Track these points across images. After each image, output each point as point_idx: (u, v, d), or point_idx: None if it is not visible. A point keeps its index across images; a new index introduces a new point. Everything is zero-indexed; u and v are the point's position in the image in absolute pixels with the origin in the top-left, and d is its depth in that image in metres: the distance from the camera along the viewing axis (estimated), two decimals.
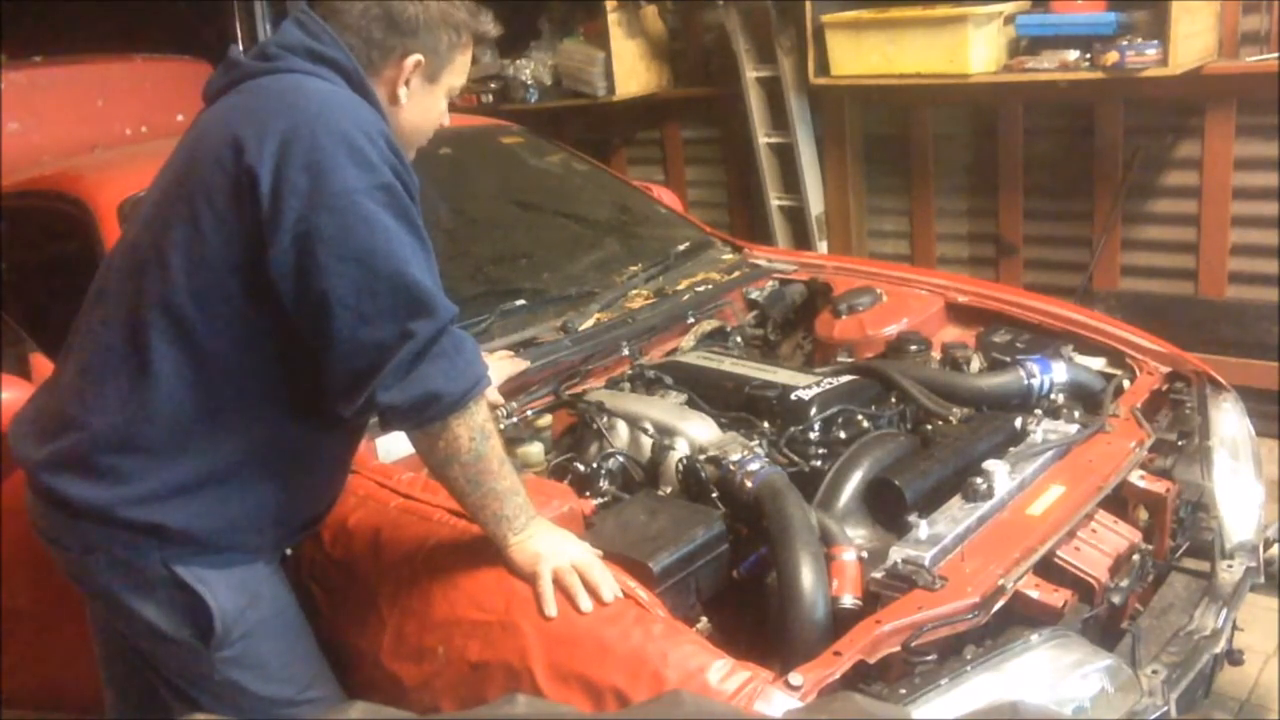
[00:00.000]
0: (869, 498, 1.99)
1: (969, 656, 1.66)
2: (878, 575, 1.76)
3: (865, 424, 2.20)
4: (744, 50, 4.48)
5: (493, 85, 5.04)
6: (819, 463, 2.08)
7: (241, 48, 1.74)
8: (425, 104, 1.74)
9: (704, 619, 1.82)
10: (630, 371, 2.45)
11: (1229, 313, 3.84)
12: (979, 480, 1.92)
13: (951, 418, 2.25)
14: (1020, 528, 1.88)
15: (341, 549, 1.86)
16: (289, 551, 1.85)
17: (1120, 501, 2.14)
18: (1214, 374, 2.50)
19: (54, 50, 4.22)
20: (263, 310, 1.57)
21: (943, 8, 3.72)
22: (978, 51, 3.67)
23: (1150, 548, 2.10)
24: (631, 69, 4.76)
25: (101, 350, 1.66)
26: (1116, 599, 1.94)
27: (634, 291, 2.76)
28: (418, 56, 1.68)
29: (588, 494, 2.00)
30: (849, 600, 1.73)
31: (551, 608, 1.61)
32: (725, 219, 4.99)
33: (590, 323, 2.56)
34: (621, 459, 2.14)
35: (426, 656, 1.69)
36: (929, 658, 1.64)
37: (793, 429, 2.16)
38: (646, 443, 2.15)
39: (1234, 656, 2.12)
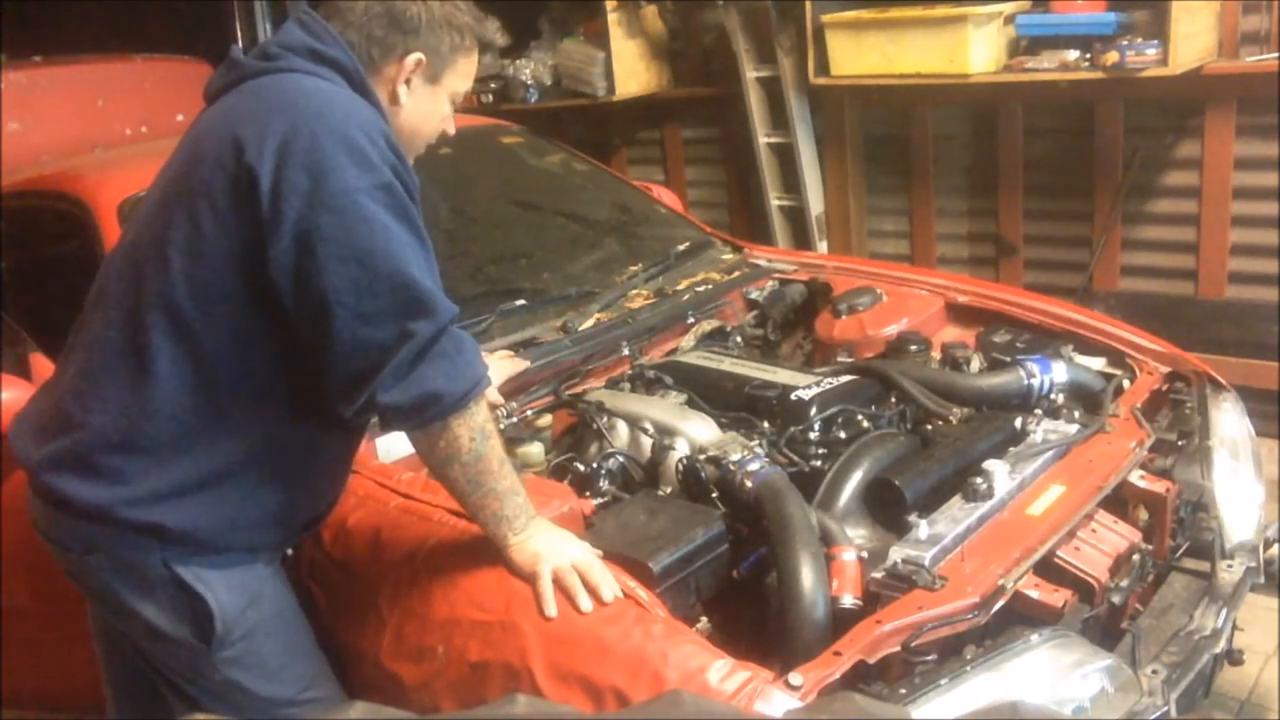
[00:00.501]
0: (869, 498, 1.99)
1: (969, 656, 1.66)
2: (878, 575, 1.76)
3: (865, 424, 2.20)
4: (744, 50, 4.48)
5: (493, 85, 5.04)
6: (819, 463, 2.08)
7: (241, 48, 1.74)
8: (426, 105, 1.74)
9: (704, 619, 1.82)
10: (630, 371, 2.46)
11: (1229, 313, 3.84)
12: (979, 480, 1.92)
13: (951, 418, 2.25)
14: (1020, 528, 1.88)
15: (341, 549, 1.86)
16: (289, 551, 1.85)
17: (1120, 501, 2.14)
18: (1214, 374, 2.50)
19: (54, 50, 4.22)
20: (263, 310, 1.57)
21: (943, 8, 3.72)
22: (978, 51, 3.67)
23: (1150, 548, 2.10)
24: (631, 69, 4.76)
25: (102, 350, 1.66)
26: (1116, 599, 1.93)
27: (634, 291, 2.76)
28: (418, 55, 1.68)
29: (588, 494, 2.00)
30: (849, 600, 1.73)
31: (551, 608, 1.61)
32: (725, 219, 4.99)
33: (590, 323, 2.56)
34: (621, 459, 2.14)
35: (426, 656, 1.69)
36: (929, 658, 1.64)
37: (793, 429, 2.16)
38: (646, 443, 2.15)
39: (1234, 656, 2.12)
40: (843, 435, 2.17)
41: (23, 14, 5.54)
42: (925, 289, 2.84)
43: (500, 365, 2.25)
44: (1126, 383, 2.45)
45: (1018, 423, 2.17)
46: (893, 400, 2.33)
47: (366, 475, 1.93)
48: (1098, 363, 2.54)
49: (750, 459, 1.95)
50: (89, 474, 1.63)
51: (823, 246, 4.61)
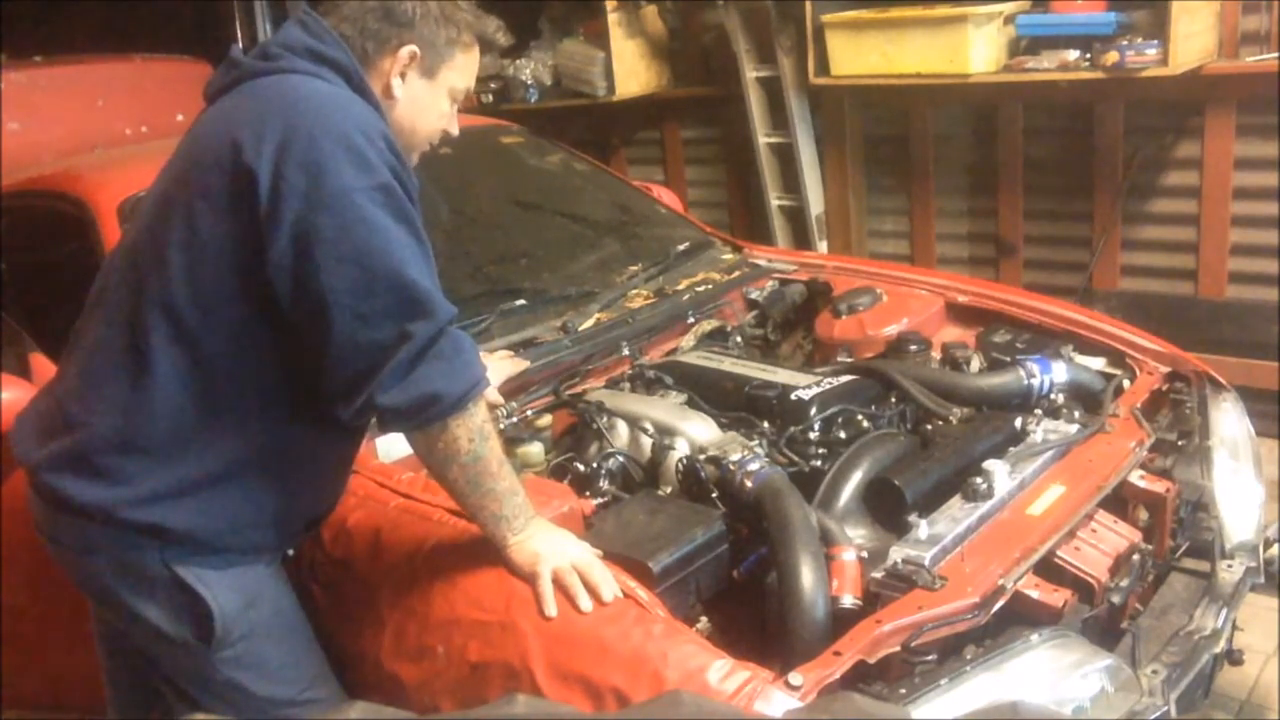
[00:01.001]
0: (869, 498, 1.99)
1: (969, 656, 1.66)
2: (878, 575, 1.76)
3: (865, 424, 2.20)
4: (744, 50, 4.48)
5: (493, 85, 5.04)
6: (819, 463, 2.08)
7: (241, 48, 1.74)
8: (423, 100, 1.73)
9: (704, 619, 1.82)
10: (630, 371, 2.45)
11: (1229, 313, 3.84)
12: (979, 480, 1.92)
13: (951, 418, 2.25)
14: (1020, 528, 1.88)
15: (341, 549, 1.86)
16: (290, 552, 1.85)
17: (1120, 501, 2.14)
18: (1214, 374, 2.50)
19: (54, 50, 4.22)
20: (262, 311, 1.57)
21: (943, 8, 3.72)
22: (978, 51, 3.68)
23: (1150, 548, 2.10)
24: (631, 69, 4.76)
25: (102, 351, 1.66)
26: (1116, 599, 1.94)
27: (634, 291, 2.76)
28: (413, 48, 1.68)
29: (588, 494, 2.00)
30: (849, 600, 1.72)
31: (551, 608, 1.61)
32: (725, 219, 4.99)
33: (590, 323, 2.56)
34: (621, 459, 2.14)
35: (426, 656, 1.69)
36: (929, 658, 1.64)
37: (793, 429, 2.16)
38: (646, 443, 2.15)
39: (1234, 656, 2.12)
40: (843, 435, 2.17)
41: (23, 14, 5.54)
42: (925, 289, 2.84)
43: (500, 365, 2.25)
44: (1126, 383, 2.45)
45: (1018, 423, 2.17)
46: (893, 400, 2.33)
47: (366, 475, 1.93)
48: (1098, 363, 2.54)
49: (750, 459, 1.95)
50: (89, 474, 1.63)
51: (823, 246, 4.62)
